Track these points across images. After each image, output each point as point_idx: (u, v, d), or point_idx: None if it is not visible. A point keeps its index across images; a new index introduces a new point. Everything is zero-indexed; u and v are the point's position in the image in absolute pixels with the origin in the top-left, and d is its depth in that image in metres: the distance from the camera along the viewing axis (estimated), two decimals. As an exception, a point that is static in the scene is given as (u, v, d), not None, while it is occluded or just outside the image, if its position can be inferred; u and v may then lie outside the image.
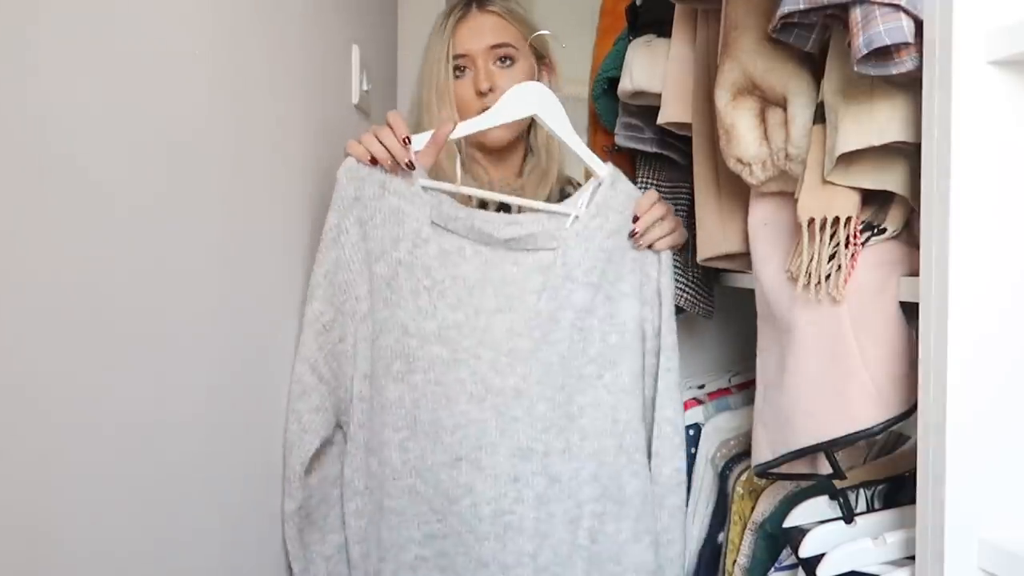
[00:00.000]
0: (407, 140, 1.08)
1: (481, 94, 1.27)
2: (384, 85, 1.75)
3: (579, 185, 1.39)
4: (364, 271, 1.09)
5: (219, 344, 0.87)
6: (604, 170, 1.17)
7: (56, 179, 0.58)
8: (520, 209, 1.20)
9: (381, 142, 1.07)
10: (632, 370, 1.18)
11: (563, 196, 1.36)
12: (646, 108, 1.28)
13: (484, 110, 1.21)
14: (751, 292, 1.00)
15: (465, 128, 1.16)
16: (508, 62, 1.30)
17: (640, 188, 1.36)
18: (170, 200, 0.75)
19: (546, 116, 1.16)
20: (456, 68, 1.30)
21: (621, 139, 1.35)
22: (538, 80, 1.30)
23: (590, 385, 1.15)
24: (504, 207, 1.24)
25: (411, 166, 1.08)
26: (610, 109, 1.44)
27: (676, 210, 1.33)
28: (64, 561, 0.60)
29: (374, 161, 1.08)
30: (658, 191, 1.35)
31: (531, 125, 1.35)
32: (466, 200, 1.19)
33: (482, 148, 1.33)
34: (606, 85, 1.44)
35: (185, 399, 0.79)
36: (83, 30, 0.61)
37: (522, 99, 1.15)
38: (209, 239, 0.84)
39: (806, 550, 0.91)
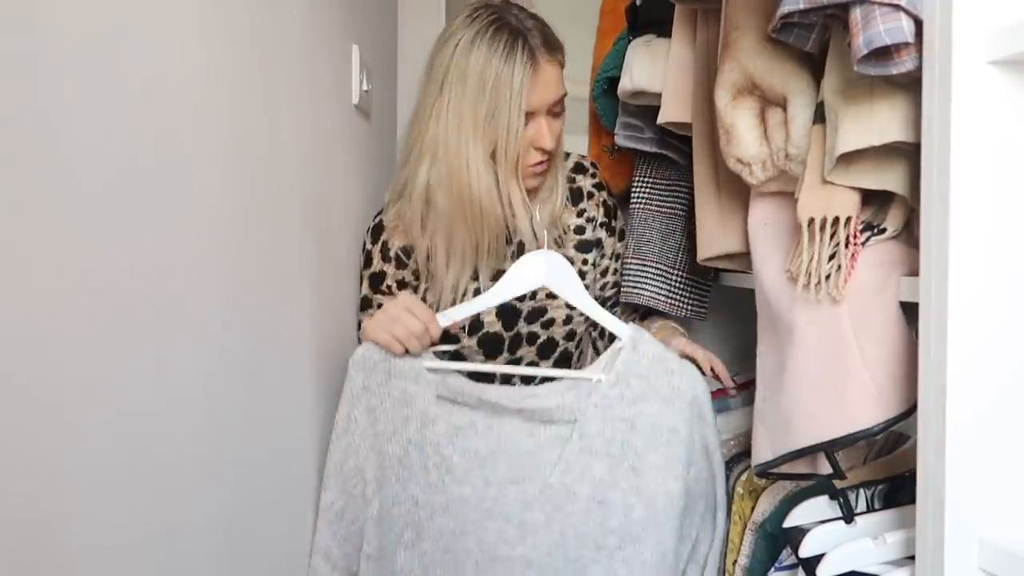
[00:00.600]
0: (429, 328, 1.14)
1: (541, 151, 1.25)
2: (384, 85, 1.75)
3: (580, 165, 1.39)
4: (372, 456, 1.15)
5: (219, 344, 0.87)
6: (625, 333, 1.14)
7: (54, 179, 0.58)
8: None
9: (406, 327, 1.13)
10: (658, 547, 1.12)
11: (571, 186, 1.37)
12: (646, 108, 1.28)
13: (535, 163, 1.24)
14: (751, 292, 1.00)
15: (467, 310, 1.18)
16: (560, 111, 1.27)
17: (640, 188, 1.37)
18: (169, 200, 0.75)
19: (555, 284, 1.16)
20: None
21: (621, 139, 1.36)
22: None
23: (608, 557, 1.12)
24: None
25: (434, 343, 1.16)
26: (610, 109, 1.44)
27: (676, 210, 1.33)
28: (64, 561, 0.60)
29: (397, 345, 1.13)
30: (658, 191, 1.36)
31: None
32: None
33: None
34: (606, 85, 1.44)
35: (185, 400, 0.79)
36: (81, 30, 0.61)
37: (533, 271, 1.16)
38: (208, 239, 0.84)
39: (806, 550, 0.91)
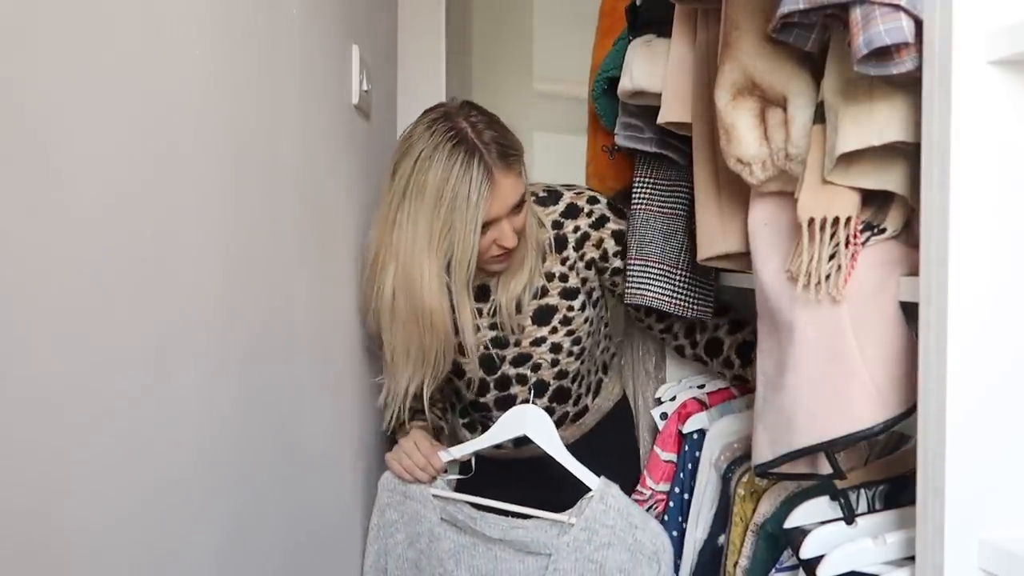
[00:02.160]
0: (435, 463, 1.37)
1: (504, 248, 1.33)
2: (384, 85, 1.75)
3: (573, 207, 1.44)
4: (390, 559, 1.40)
5: (219, 344, 0.87)
6: (595, 484, 1.31)
7: (53, 179, 0.58)
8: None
9: (413, 461, 1.36)
10: None
11: (557, 233, 1.43)
12: (646, 108, 1.28)
13: (499, 256, 1.34)
14: (751, 292, 1.00)
15: (456, 453, 1.41)
16: (520, 204, 1.32)
17: (640, 188, 1.37)
18: (168, 200, 0.75)
19: (536, 434, 1.36)
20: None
21: (621, 139, 1.36)
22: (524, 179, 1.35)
23: None
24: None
25: (434, 479, 1.38)
26: (610, 109, 1.44)
27: (677, 210, 1.33)
28: (64, 561, 0.60)
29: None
30: (658, 191, 1.36)
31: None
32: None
33: (482, 271, 1.38)
34: (606, 85, 1.44)
35: (184, 400, 0.79)
36: (81, 30, 0.61)
37: (519, 421, 1.37)
38: (208, 238, 0.84)
39: (807, 551, 0.91)
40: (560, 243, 1.42)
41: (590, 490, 1.32)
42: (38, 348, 0.56)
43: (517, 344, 1.44)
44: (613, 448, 1.58)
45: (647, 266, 1.34)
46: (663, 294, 1.32)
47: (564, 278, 1.43)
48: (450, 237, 1.27)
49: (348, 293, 1.41)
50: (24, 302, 0.55)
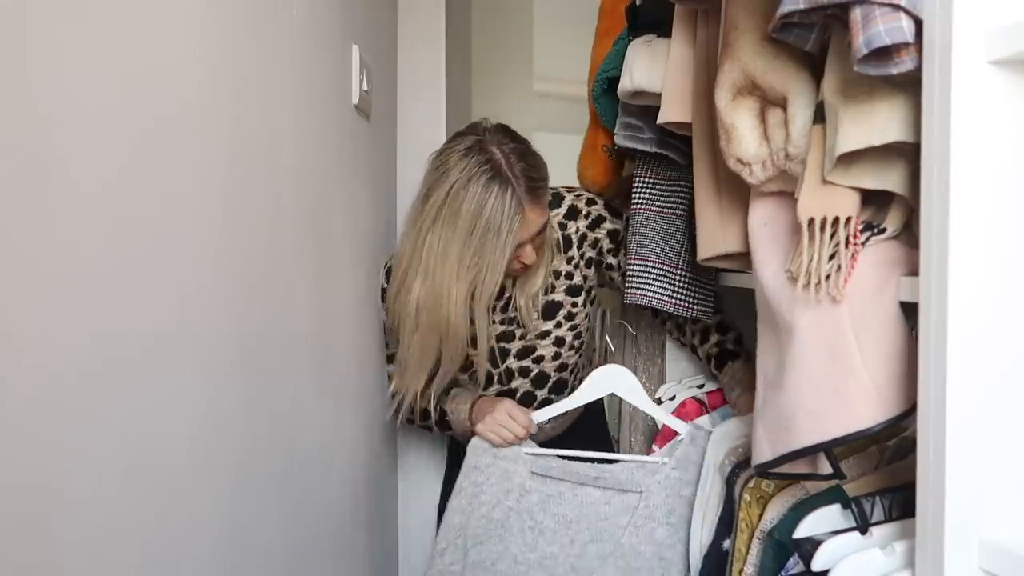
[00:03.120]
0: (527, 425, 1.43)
1: (524, 264, 1.42)
2: (384, 85, 1.75)
3: (573, 209, 1.52)
4: (473, 518, 1.43)
5: (219, 344, 0.87)
6: (684, 430, 1.38)
7: (53, 179, 0.58)
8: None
9: (511, 431, 1.42)
10: None
11: (561, 234, 1.50)
12: (646, 108, 1.28)
13: (520, 267, 1.43)
14: (751, 292, 1.00)
15: (544, 415, 1.47)
16: (544, 228, 1.41)
17: (640, 188, 1.37)
18: (169, 200, 0.75)
19: (621, 391, 1.43)
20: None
21: (621, 139, 1.36)
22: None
23: None
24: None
25: (527, 436, 1.44)
26: (610, 109, 1.44)
27: (677, 210, 1.33)
28: (64, 561, 0.60)
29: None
30: (658, 191, 1.36)
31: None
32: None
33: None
34: (606, 85, 1.44)
35: (184, 400, 0.79)
36: (81, 30, 0.61)
37: (603, 381, 1.44)
38: (207, 238, 0.84)
39: (819, 563, 0.88)
40: (566, 243, 1.50)
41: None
42: (37, 348, 0.56)
43: (523, 338, 1.52)
44: (593, 436, 1.68)
45: (647, 266, 1.34)
46: (662, 294, 1.32)
47: (570, 276, 1.51)
48: (478, 265, 1.35)
49: (347, 293, 1.41)
50: (24, 302, 0.55)
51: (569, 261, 1.51)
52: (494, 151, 1.35)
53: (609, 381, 1.43)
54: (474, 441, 1.46)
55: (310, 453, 1.20)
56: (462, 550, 1.43)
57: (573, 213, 1.51)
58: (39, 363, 0.56)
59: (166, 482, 0.75)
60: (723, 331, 1.50)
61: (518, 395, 1.55)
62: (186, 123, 0.79)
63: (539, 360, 1.54)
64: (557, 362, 1.54)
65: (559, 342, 1.53)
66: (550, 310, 1.52)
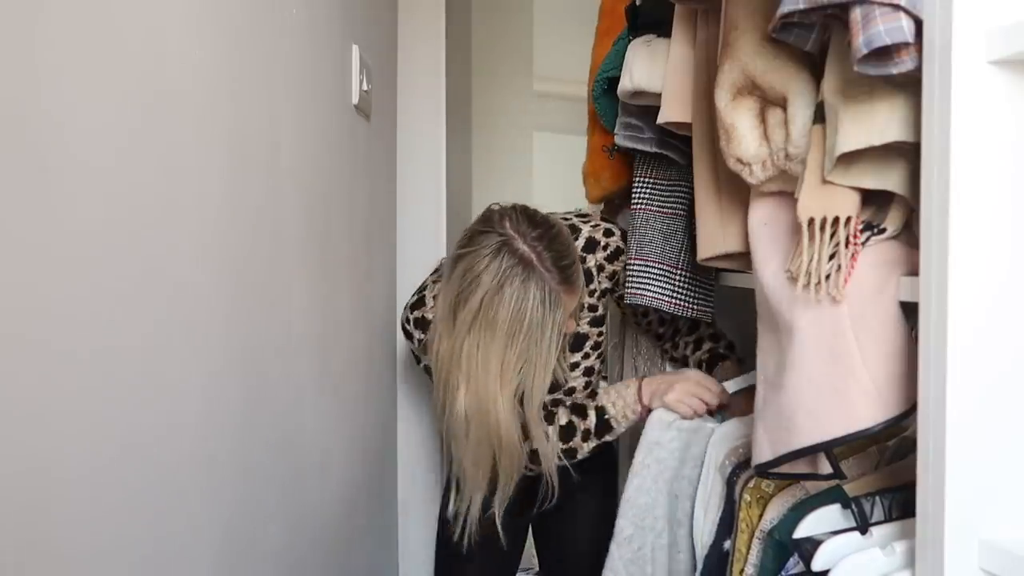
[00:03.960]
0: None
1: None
2: (384, 85, 1.75)
3: (592, 241, 1.48)
4: (660, 496, 1.35)
5: (220, 344, 0.87)
6: None
7: (54, 179, 0.58)
8: None
9: (704, 401, 1.35)
10: None
11: (585, 244, 1.46)
12: (646, 108, 1.28)
13: None
14: (751, 292, 1.00)
15: (734, 387, 1.39)
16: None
17: (640, 188, 1.37)
18: (169, 200, 0.75)
19: None
20: None
21: (621, 139, 1.35)
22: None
23: None
24: None
25: (721, 407, 1.37)
26: (610, 109, 1.44)
27: (677, 210, 1.33)
28: (65, 561, 0.60)
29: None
30: (658, 191, 1.36)
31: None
32: None
33: None
34: (606, 85, 1.44)
35: (184, 400, 0.79)
36: (82, 31, 0.61)
37: None
38: (208, 238, 0.84)
39: (819, 563, 0.88)
40: (587, 276, 1.46)
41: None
42: (38, 348, 0.56)
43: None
44: (598, 459, 1.66)
45: (647, 266, 1.34)
46: (663, 294, 1.32)
47: (593, 308, 1.49)
48: (524, 368, 1.29)
49: (348, 293, 1.41)
50: (24, 302, 0.55)
51: (592, 294, 1.49)
52: (522, 248, 1.28)
53: None
54: (656, 414, 1.36)
55: (310, 453, 1.20)
56: (652, 532, 1.35)
57: (591, 246, 1.47)
58: (39, 364, 0.56)
59: (166, 482, 0.75)
60: (715, 339, 1.51)
61: None
62: (186, 123, 0.79)
63: (571, 392, 1.51)
64: (588, 391, 1.53)
65: (588, 371, 1.52)
66: (578, 342, 1.50)
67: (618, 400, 1.40)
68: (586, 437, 1.40)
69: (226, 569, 0.89)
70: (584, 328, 1.49)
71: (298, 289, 1.14)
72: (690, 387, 1.36)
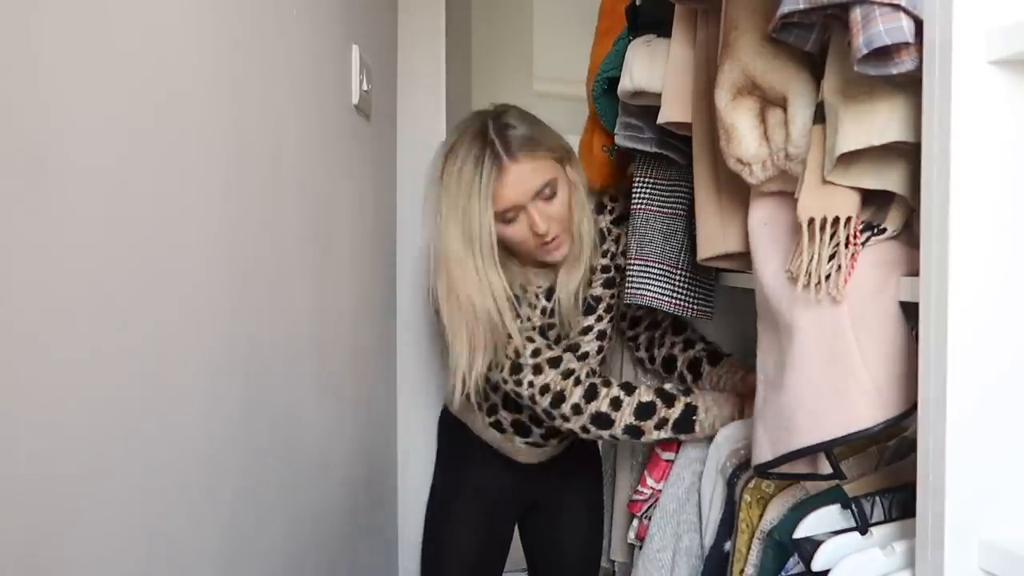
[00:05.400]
0: None
1: (540, 235, 1.36)
2: (384, 85, 1.75)
3: (600, 205, 1.52)
4: (684, 505, 1.31)
5: (221, 344, 0.87)
6: None
7: (55, 180, 0.58)
8: None
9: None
10: None
11: (596, 206, 1.50)
12: (646, 108, 1.28)
13: (543, 244, 1.37)
14: (751, 292, 1.00)
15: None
16: (551, 194, 1.37)
17: (641, 188, 1.37)
18: (169, 201, 0.75)
19: None
20: (506, 219, 1.35)
21: (621, 139, 1.35)
22: (568, 182, 1.40)
23: None
24: None
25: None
26: (610, 109, 1.44)
27: (677, 210, 1.33)
28: (66, 561, 0.60)
29: None
30: (658, 191, 1.36)
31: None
32: None
33: (541, 264, 1.44)
34: (606, 85, 1.44)
35: (185, 401, 0.79)
36: (81, 30, 0.61)
37: None
38: (209, 238, 0.84)
39: (819, 563, 0.88)
40: (600, 237, 1.51)
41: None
42: (39, 348, 0.56)
43: (565, 337, 1.50)
44: (584, 465, 1.69)
45: (647, 266, 1.34)
46: (663, 294, 1.32)
47: (606, 269, 1.51)
48: (470, 224, 1.32)
49: (349, 293, 1.41)
50: (25, 302, 0.55)
51: (605, 254, 1.52)
52: (485, 117, 1.35)
53: None
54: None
55: (311, 453, 1.20)
56: (673, 536, 1.32)
57: (600, 208, 1.53)
58: (41, 364, 0.56)
59: (167, 481, 0.75)
60: (704, 340, 1.53)
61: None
62: (186, 123, 0.79)
63: (584, 357, 1.50)
64: (600, 356, 1.52)
65: (601, 335, 1.51)
66: (591, 305, 1.51)
67: (714, 408, 1.32)
68: (661, 425, 1.32)
69: (226, 568, 0.89)
70: (598, 290, 1.51)
71: (299, 289, 1.14)
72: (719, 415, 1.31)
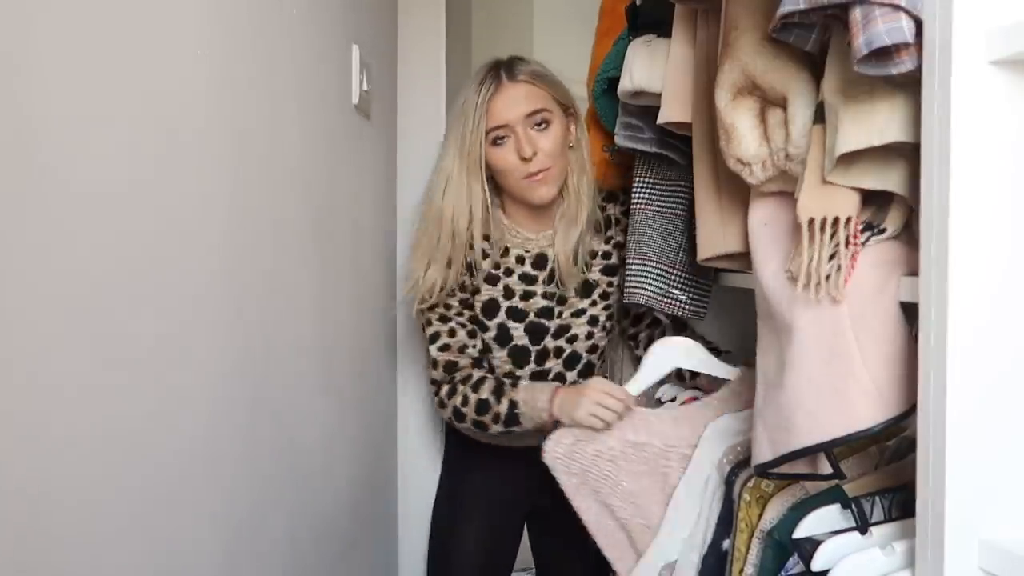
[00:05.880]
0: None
1: (525, 159, 1.41)
2: (384, 85, 1.75)
3: (613, 194, 1.57)
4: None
5: (222, 345, 0.87)
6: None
7: (55, 180, 0.58)
8: None
9: (612, 408, 1.31)
10: None
11: (602, 214, 1.53)
12: (646, 108, 1.28)
13: (529, 175, 1.42)
14: (751, 292, 1.00)
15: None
16: (544, 125, 1.43)
17: (640, 188, 1.37)
18: (170, 201, 0.75)
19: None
20: (496, 138, 1.41)
21: (621, 139, 1.35)
22: (567, 129, 1.47)
23: None
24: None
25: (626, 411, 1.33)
26: (610, 109, 1.44)
27: (676, 210, 1.33)
28: (66, 560, 0.60)
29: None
30: (658, 191, 1.36)
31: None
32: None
33: (525, 204, 1.47)
34: (606, 85, 1.44)
35: (186, 401, 0.79)
36: (83, 31, 0.61)
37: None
38: (209, 238, 0.84)
39: (819, 563, 0.88)
40: (606, 224, 1.55)
41: None
42: (40, 348, 0.56)
43: (559, 316, 1.53)
44: None
45: (645, 265, 1.34)
46: (658, 293, 1.32)
47: (607, 256, 1.54)
48: (463, 141, 1.39)
49: (349, 292, 1.41)
50: (25, 302, 0.55)
51: (607, 241, 1.54)
52: (499, 57, 1.44)
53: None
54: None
55: (312, 454, 1.20)
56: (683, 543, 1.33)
57: (612, 197, 1.56)
58: (42, 363, 0.56)
59: (169, 481, 0.75)
60: (706, 340, 1.52)
61: (550, 376, 1.54)
62: (186, 123, 0.79)
63: (573, 340, 1.53)
64: (589, 342, 1.54)
65: (593, 321, 1.54)
66: (587, 288, 1.53)
67: (531, 400, 1.40)
68: (496, 420, 1.43)
69: (229, 569, 0.89)
70: (595, 275, 1.53)
71: (299, 288, 1.14)
72: (595, 397, 1.34)
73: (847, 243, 0.82)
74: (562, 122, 1.45)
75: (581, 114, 1.52)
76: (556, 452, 1.35)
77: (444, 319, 1.48)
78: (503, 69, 1.42)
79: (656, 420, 1.34)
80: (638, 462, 1.33)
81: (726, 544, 1.21)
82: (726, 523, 1.22)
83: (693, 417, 1.31)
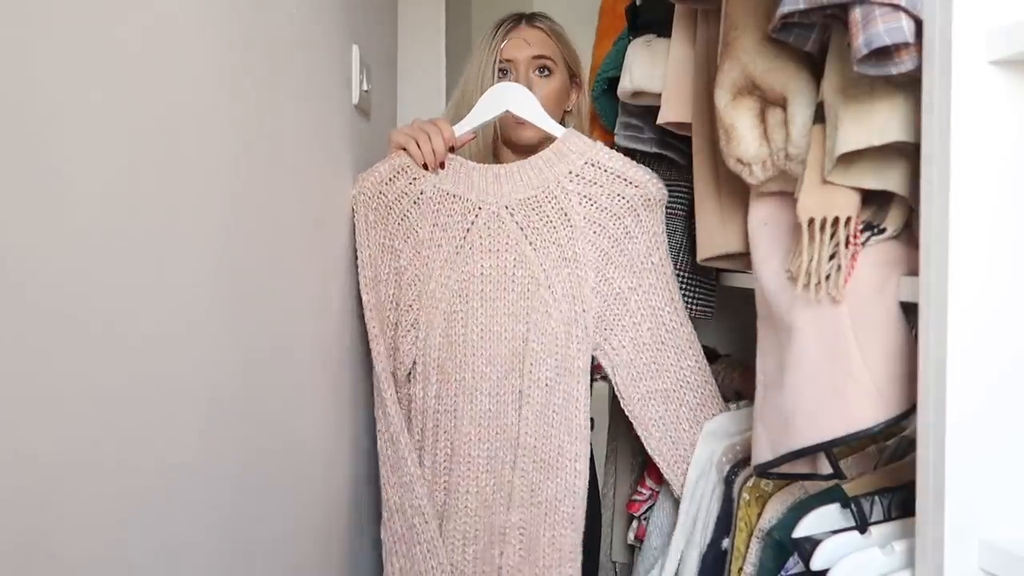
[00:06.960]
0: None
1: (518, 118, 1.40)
2: (384, 85, 1.75)
3: None
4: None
5: (222, 346, 0.87)
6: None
7: (54, 180, 0.58)
8: None
9: (430, 135, 1.31)
10: None
11: None
12: (646, 108, 1.28)
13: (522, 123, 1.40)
14: (751, 292, 1.00)
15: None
16: (546, 72, 1.46)
17: None
18: (169, 201, 0.75)
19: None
20: (501, 71, 1.45)
21: (621, 139, 1.36)
22: (569, 96, 1.50)
23: None
24: None
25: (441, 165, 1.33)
26: (610, 109, 1.44)
27: (676, 210, 1.33)
28: (65, 560, 0.60)
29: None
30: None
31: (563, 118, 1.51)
32: None
33: (513, 146, 1.49)
34: (606, 85, 1.44)
35: (186, 401, 0.79)
36: (82, 30, 0.61)
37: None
38: (209, 238, 0.84)
39: (818, 562, 0.88)
40: None
41: None
42: (38, 348, 0.56)
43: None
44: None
45: (646, 266, 1.34)
46: None
47: None
48: (478, 66, 1.45)
49: (348, 293, 1.41)
50: (25, 302, 0.55)
51: None
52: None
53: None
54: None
55: (311, 454, 1.20)
56: (671, 536, 1.35)
57: None
58: (39, 363, 0.56)
59: (167, 481, 0.75)
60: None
61: None
62: (186, 123, 0.79)
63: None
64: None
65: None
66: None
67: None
68: None
69: (226, 569, 0.89)
70: None
71: (298, 288, 1.14)
72: (421, 123, 1.33)
73: (847, 243, 0.82)
74: (564, 80, 1.48)
75: (586, 89, 1.54)
76: (364, 184, 1.33)
77: None
78: (526, 16, 1.49)
79: (477, 174, 1.33)
80: (444, 213, 1.33)
81: (725, 543, 1.21)
82: (725, 522, 1.22)
83: (514, 175, 1.32)
